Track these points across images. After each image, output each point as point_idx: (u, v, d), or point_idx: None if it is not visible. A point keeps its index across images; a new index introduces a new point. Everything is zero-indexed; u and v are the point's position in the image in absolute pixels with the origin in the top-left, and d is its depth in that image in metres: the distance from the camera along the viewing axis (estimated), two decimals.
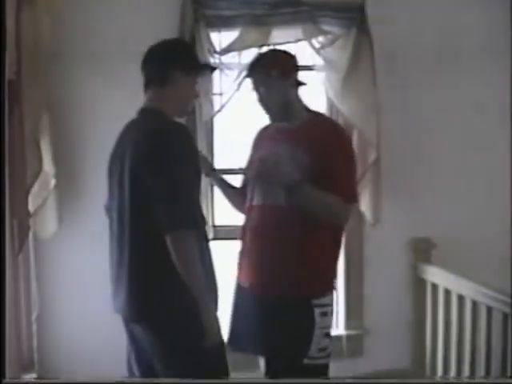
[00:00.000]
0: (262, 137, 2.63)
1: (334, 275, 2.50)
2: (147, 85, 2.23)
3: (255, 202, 2.48)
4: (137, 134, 2.16)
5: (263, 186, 2.44)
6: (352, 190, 2.47)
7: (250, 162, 2.63)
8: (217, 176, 2.75)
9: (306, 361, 2.36)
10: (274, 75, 2.40)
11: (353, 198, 2.48)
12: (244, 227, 2.54)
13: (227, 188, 2.74)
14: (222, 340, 2.17)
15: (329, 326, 2.44)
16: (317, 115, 2.57)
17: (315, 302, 2.38)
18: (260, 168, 2.40)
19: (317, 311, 2.38)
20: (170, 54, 2.23)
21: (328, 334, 2.43)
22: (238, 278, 2.55)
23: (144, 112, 2.22)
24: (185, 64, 2.22)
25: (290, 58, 2.50)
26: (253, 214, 2.49)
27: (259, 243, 2.43)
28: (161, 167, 2.05)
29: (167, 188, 2.04)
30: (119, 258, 2.15)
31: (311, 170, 2.35)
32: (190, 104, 2.35)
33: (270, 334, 2.40)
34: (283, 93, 2.43)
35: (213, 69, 2.52)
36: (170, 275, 2.04)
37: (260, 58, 2.52)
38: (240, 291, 2.54)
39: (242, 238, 2.55)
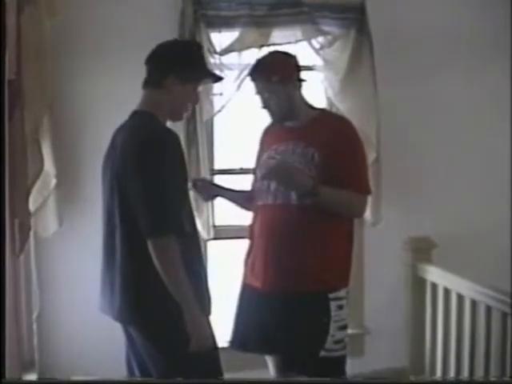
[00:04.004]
0: (270, 135, 2.62)
1: (348, 268, 2.52)
2: (145, 85, 2.22)
3: (266, 201, 2.47)
4: (125, 137, 2.14)
5: (274, 186, 2.44)
6: (365, 182, 2.50)
7: (259, 161, 2.62)
8: (221, 191, 2.68)
9: (322, 353, 2.39)
10: (276, 80, 2.41)
11: (367, 190, 2.51)
12: (253, 226, 2.54)
13: (236, 195, 2.70)
14: (214, 344, 2.15)
15: (344, 319, 2.46)
16: (321, 112, 2.59)
17: (331, 295, 2.42)
18: (277, 173, 2.36)
19: (333, 304, 2.41)
20: (171, 58, 2.19)
21: (343, 327, 2.46)
22: (247, 277, 2.55)
23: (135, 115, 2.20)
24: (184, 71, 2.17)
25: (290, 60, 2.49)
26: (264, 212, 2.48)
27: (273, 242, 2.43)
28: (144, 172, 2.04)
29: (149, 194, 2.03)
30: (110, 260, 2.15)
31: (323, 167, 2.38)
32: (185, 109, 2.27)
33: (287, 331, 2.41)
34: (287, 96, 2.44)
35: (217, 78, 2.41)
36: (159, 279, 2.03)
37: (261, 63, 2.50)
38: (250, 291, 2.53)
39: (251, 238, 2.55)
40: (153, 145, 2.05)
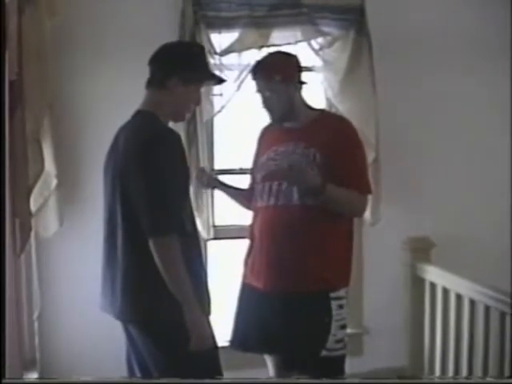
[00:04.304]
0: (268, 136, 2.63)
1: (349, 268, 2.53)
2: (148, 85, 2.23)
3: (267, 203, 2.48)
4: (127, 137, 2.16)
5: (275, 187, 2.45)
6: (366, 182, 2.52)
7: (257, 162, 2.63)
8: (221, 186, 2.76)
9: (324, 353, 2.41)
10: (277, 80, 2.42)
11: (368, 189, 2.52)
12: (253, 227, 2.55)
13: (235, 193, 2.75)
14: (214, 344, 2.16)
15: (344, 318, 2.48)
16: (321, 112, 2.60)
17: (332, 295, 2.43)
18: (289, 174, 2.36)
19: (334, 304, 2.43)
20: (174, 59, 2.20)
21: (344, 326, 2.48)
22: (248, 278, 2.56)
23: (138, 114, 2.21)
24: (187, 73, 2.18)
25: (292, 60, 2.51)
26: (265, 214, 2.49)
27: (274, 242, 2.44)
28: (146, 172, 2.05)
29: (151, 193, 2.04)
30: (111, 258, 2.17)
31: (324, 168, 2.39)
32: (187, 110, 2.29)
33: (288, 331, 2.42)
34: (288, 96, 2.45)
35: (220, 80, 2.43)
36: (161, 278, 2.04)
37: (263, 62, 2.52)
38: (250, 291, 2.54)
39: (252, 238, 2.56)
40: (155, 145, 2.07)
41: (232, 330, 2.60)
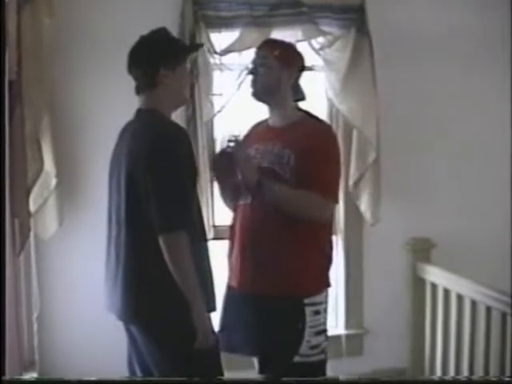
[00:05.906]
0: (254, 134, 2.60)
1: (326, 274, 2.48)
2: (138, 90, 2.22)
3: (245, 201, 2.45)
4: (132, 136, 2.16)
5: (249, 185, 2.39)
6: (331, 188, 2.42)
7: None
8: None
9: (296, 358, 2.35)
10: (276, 55, 2.43)
11: (332, 197, 2.43)
12: (233, 227, 2.52)
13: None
14: (216, 343, 2.16)
15: (321, 324, 2.41)
16: (304, 114, 2.54)
17: (307, 300, 2.37)
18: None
19: (308, 310, 2.36)
20: (152, 56, 2.19)
21: (320, 332, 2.40)
22: (229, 278, 2.54)
23: (140, 113, 2.22)
24: (168, 60, 2.18)
25: (297, 54, 2.53)
26: (241, 213, 2.47)
27: (250, 242, 2.41)
28: (154, 169, 2.06)
29: (160, 190, 2.04)
30: (115, 257, 2.16)
31: (297, 170, 2.35)
32: (186, 92, 2.34)
33: (260, 334, 2.39)
34: (277, 78, 2.43)
35: (198, 46, 2.56)
36: (165, 276, 2.05)
37: (271, 40, 2.63)
38: (230, 291, 2.53)
39: (231, 238, 2.53)
40: (162, 142, 2.08)
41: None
